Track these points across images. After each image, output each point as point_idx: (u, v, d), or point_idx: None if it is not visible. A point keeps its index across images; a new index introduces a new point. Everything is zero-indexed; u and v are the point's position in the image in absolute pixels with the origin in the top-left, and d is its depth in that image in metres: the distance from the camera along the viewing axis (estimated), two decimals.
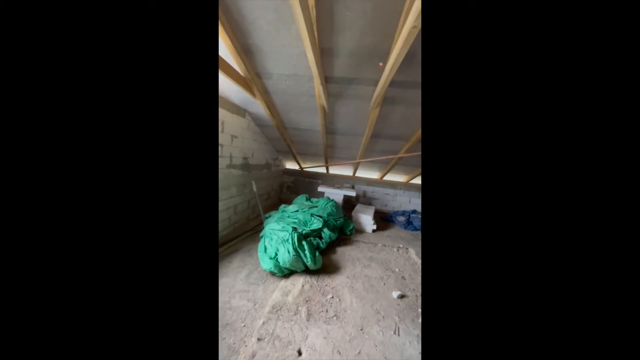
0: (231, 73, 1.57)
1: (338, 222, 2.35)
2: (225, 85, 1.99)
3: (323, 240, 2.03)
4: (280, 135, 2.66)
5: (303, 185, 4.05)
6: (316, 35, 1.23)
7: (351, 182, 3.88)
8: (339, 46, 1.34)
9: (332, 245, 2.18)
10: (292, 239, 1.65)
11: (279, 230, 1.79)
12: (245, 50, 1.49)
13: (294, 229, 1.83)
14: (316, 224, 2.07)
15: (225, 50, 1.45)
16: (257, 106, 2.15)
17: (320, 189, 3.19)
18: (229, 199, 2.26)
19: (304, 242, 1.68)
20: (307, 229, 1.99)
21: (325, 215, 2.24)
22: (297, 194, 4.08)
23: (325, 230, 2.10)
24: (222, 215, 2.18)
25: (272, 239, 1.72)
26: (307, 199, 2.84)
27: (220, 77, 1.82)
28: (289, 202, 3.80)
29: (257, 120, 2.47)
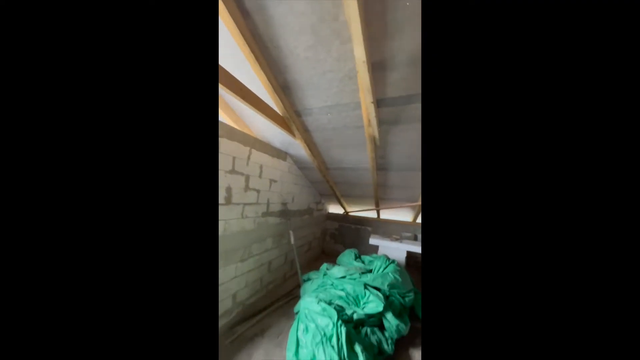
0: (268, 112, 1.43)
1: (407, 298, 1.55)
2: (266, 130, 1.94)
3: (387, 335, 1.28)
4: (323, 177, 2.35)
5: (349, 232, 3.43)
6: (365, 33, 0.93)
7: (411, 230, 3.02)
8: (394, 54, 1.00)
9: (403, 344, 1.37)
10: (339, 338, 1.03)
11: (317, 313, 1.20)
12: (283, 87, 1.35)
13: (340, 311, 1.21)
14: (373, 303, 1.36)
15: (263, 89, 1.34)
16: (298, 147, 1.97)
17: (372, 241, 2.51)
18: (264, 253, 1.91)
19: (357, 346, 1.02)
20: (359, 311, 1.32)
21: (385, 287, 1.51)
22: (343, 243, 3.45)
23: (389, 316, 1.35)
24: (254, 275, 1.80)
25: (307, 329, 1.14)
26: (357, 257, 2.18)
27: (260, 119, 1.78)
28: (333, 254, 3.18)
29: (298, 162, 2.29)
